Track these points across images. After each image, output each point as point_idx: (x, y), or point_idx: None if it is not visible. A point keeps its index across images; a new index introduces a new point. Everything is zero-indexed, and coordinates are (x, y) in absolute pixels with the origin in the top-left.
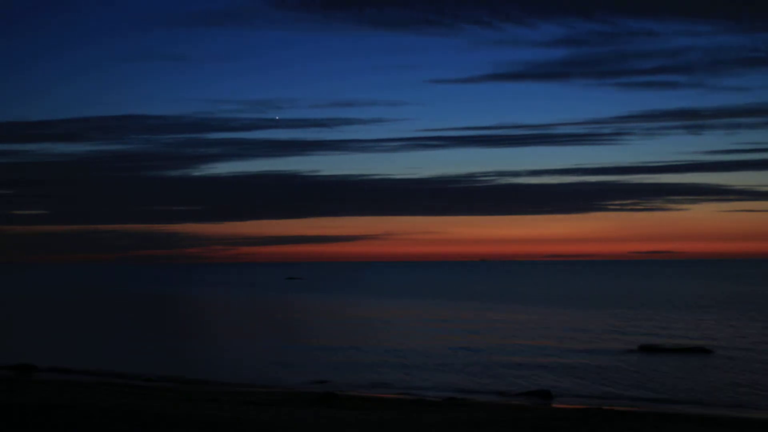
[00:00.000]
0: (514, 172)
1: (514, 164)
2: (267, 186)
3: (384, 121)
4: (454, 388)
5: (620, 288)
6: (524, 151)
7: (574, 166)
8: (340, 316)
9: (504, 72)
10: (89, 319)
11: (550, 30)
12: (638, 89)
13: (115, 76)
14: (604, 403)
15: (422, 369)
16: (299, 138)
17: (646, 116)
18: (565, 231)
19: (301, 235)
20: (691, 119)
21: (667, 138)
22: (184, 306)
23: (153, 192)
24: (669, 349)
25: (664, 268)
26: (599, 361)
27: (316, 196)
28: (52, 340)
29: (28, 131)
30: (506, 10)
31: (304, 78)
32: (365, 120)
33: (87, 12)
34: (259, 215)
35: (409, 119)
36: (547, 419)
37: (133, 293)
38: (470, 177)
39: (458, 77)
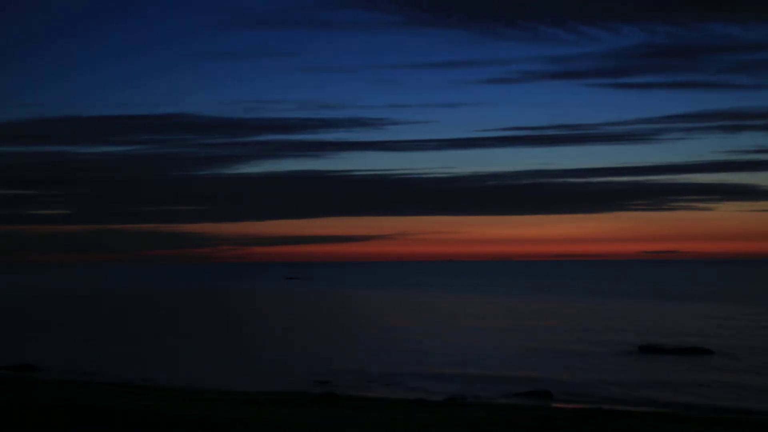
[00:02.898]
0: (544, 171)
1: (551, 163)
2: (288, 186)
3: (435, 122)
4: (454, 388)
5: (625, 287)
6: (565, 151)
7: (602, 166)
8: (340, 316)
9: (566, 71)
10: (91, 320)
11: (632, 33)
12: (701, 90)
13: (181, 77)
14: (604, 403)
15: (423, 368)
16: (345, 139)
17: (695, 116)
18: (586, 231)
19: (315, 236)
20: (739, 119)
21: (709, 138)
22: (178, 305)
23: (178, 192)
24: (669, 349)
25: (674, 268)
26: (599, 361)
27: (337, 196)
28: (55, 341)
29: (70, 130)
30: (592, 14)
31: (364, 78)
32: (417, 121)
33: (157, 14)
34: (277, 215)
35: (463, 119)
36: (547, 419)
37: (134, 293)
38: (496, 176)
39: (520, 78)
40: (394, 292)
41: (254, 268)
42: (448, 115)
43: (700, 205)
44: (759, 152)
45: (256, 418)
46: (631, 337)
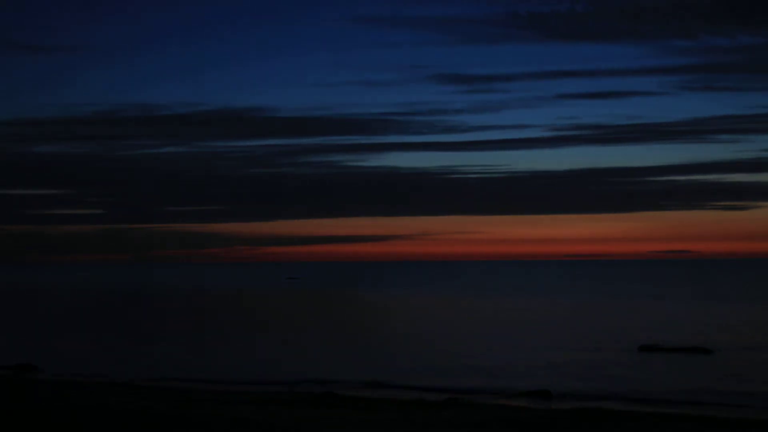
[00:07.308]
0: (586, 170)
1: (598, 163)
2: (316, 185)
3: (517, 122)
4: (454, 388)
5: (629, 287)
6: (618, 150)
7: (645, 165)
8: (339, 315)
9: (649, 69)
10: (86, 321)
11: (744, 39)
12: None
13: (279, 77)
14: (604, 403)
15: (423, 368)
16: (407, 140)
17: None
18: (614, 231)
19: (333, 235)
20: None
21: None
22: (175, 304)
23: (208, 192)
24: (669, 349)
25: (686, 267)
26: (599, 360)
27: (364, 195)
28: (55, 341)
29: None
30: (707, 21)
31: (450, 82)
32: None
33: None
34: (300, 215)
35: (536, 119)
36: (547, 419)
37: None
38: (536, 176)
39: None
40: (398, 293)
41: (273, 269)
42: (523, 115)
43: (738, 203)
44: None
45: (256, 418)
46: (632, 336)
